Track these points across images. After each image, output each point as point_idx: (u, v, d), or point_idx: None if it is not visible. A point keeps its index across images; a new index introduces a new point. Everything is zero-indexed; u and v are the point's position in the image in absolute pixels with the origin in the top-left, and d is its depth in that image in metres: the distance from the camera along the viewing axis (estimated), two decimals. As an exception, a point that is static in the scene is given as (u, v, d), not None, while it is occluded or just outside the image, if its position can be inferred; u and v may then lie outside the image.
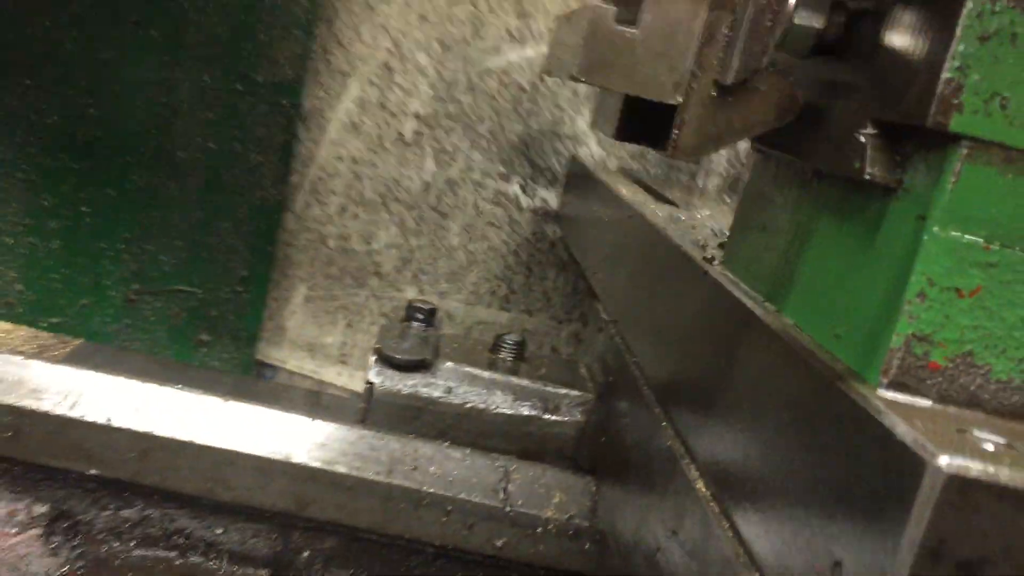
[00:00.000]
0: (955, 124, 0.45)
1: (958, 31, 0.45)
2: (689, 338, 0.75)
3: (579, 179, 1.51)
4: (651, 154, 1.69)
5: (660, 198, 1.21)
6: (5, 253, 1.49)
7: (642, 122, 0.65)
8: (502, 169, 1.68)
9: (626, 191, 1.18)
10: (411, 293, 1.71)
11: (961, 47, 0.45)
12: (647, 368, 0.86)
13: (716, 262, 0.76)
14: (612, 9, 0.58)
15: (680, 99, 0.59)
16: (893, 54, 0.51)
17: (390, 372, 0.93)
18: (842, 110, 0.56)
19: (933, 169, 0.47)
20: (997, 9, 0.45)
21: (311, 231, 1.69)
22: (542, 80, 1.64)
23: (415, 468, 0.85)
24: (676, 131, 0.60)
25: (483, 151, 1.68)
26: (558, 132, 1.67)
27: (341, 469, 0.84)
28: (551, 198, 1.69)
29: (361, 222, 1.70)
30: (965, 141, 0.46)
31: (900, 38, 0.51)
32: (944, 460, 0.39)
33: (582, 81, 0.59)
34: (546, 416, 0.94)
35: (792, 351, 0.54)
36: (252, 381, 1.48)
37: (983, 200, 0.46)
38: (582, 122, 1.66)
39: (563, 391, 0.97)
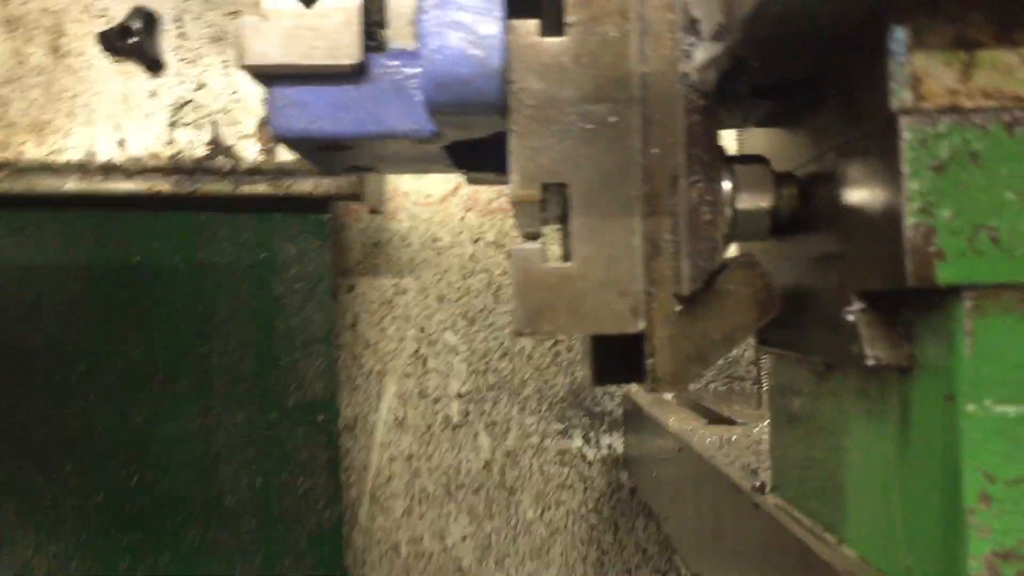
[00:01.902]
0: (944, 275, 0.36)
1: (905, 168, 0.37)
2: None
3: (634, 417, 1.41)
4: (708, 371, 1.59)
5: (716, 419, 1.10)
6: (72, 649, 1.42)
7: (622, 356, 0.56)
8: (559, 426, 1.59)
9: (675, 421, 1.08)
10: (498, 583, 1.57)
11: (915, 184, 0.36)
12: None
13: (767, 489, 0.64)
14: (537, 247, 0.51)
15: (643, 325, 0.51)
16: (855, 214, 0.43)
17: None
18: (825, 288, 0.47)
19: (942, 335, 0.37)
20: (941, 130, 0.37)
21: (381, 542, 1.59)
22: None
23: None
24: (649, 360, 0.51)
25: (534, 413, 1.60)
26: (605, 373, 1.58)
27: None
28: (616, 442, 1.59)
29: (429, 519, 1.60)
30: (966, 292, 0.36)
31: (856, 194, 0.42)
32: None
33: (529, 335, 0.51)
34: None
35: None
36: None
37: (1018, 356, 0.36)
38: (626, 357, 1.58)
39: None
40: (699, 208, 0.48)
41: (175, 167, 1.36)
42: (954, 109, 0.37)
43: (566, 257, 0.51)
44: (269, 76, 0.54)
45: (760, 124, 0.61)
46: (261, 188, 1.36)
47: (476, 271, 1.62)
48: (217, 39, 1.34)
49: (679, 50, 0.49)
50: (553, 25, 0.52)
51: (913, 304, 0.39)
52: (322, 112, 0.54)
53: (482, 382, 1.61)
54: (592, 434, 1.60)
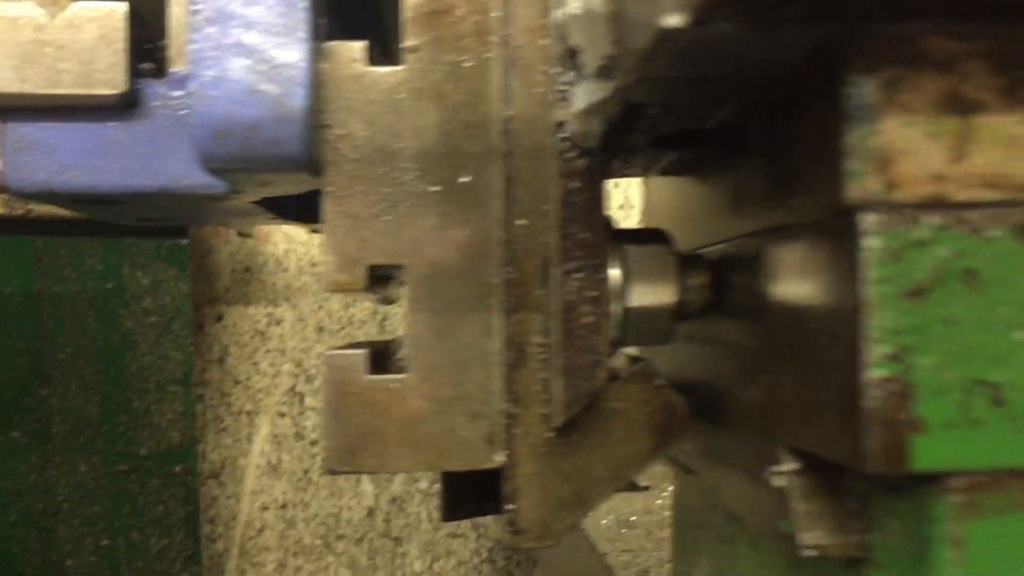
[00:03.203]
0: (923, 457, 0.24)
1: (866, 292, 0.24)
2: None
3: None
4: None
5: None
6: None
7: (481, 481, 0.43)
8: (449, 471, 1.46)
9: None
10: (380, 647, 1.43)
11: (882, 318, 0.24)
12: None
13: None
14: (361, 353, 0.38)
15: (502, 458, 0.38)
16: (789, 336, 0.30)
17: None
18: (743, 415, 0.35)
19: (914, 537, 0.25)
20: (923, 235, 0.24)
21: (250, 602, 1.43)
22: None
23: None
24: (510, 506, 0.38)
25: (423, 456, 1.46)
26: (499, 413, 1.46)
27: None
28: (512, 488, 1.46)
29: (306, 574, 1.45)
30: (953, 480, 0.24)
31: (792, 309, 0.30)
32: None
33: (346, 472, 0.38)
34: None
35: None
36: None
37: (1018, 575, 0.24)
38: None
39: None
40: (577, 307, 0.36)
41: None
42: (941, 203, 0.25)
43: (400, 366, 0.38)
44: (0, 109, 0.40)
45: (666, 173, 0.49)
46: (107, 210, 1.19)
47: (360, 299, 1.48)
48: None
49: (554, 90, 0.36)
50: (387, 51, 0.38)
51: (871, 477, 0.27)
52: (75, 159, 0.40)
53: (365, 422, 1.47)
54: (486, 478, 1.47)
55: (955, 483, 0.24)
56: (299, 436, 1.45)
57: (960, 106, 0.25)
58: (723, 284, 0.38)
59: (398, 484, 1.46)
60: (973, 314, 0.24)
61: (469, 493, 0.43)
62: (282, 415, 1.46)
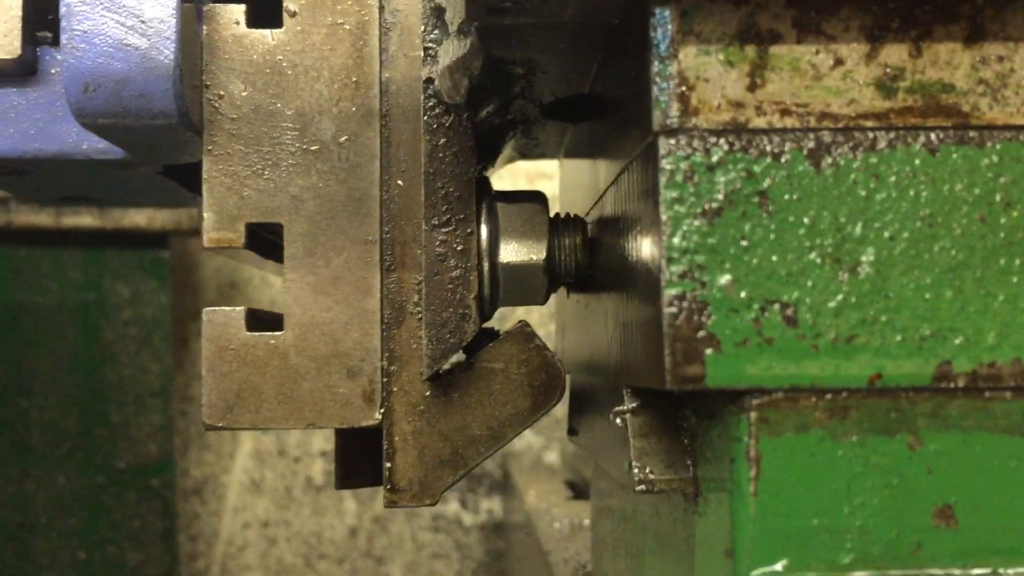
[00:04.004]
0: (716, 374, 0.24)
1: (663, 213, 0.24)
2: None
3: (509, 482, 1.28)
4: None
5: (583, 490, 0.98)
6: None
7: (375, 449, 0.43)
8: (430, 489, 1.45)
9: (534, 494, 0.95)
10: (359, 667, 1.42)
11: (677, 238, 0.24)
12: None
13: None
14: (240, 310, 0.38)
15: (380, 416, 0.38)
16: (627, 277, 0.31)
17: None
18: (606, 373, 0.35)
19: (722, 458, 0.25)
20: (716, 158, 0.25)
21: (229, 620, 1.43)
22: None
23: None
24: (388, 464, 0.38)
25: (404, 474, 1.45)
26: (481, 431, 1.45)
27: None
28: (496, 507, 1.45)
29: (286, 593, 1.44)
30: (751, 399, 0.24)
31: (626, 249, 0.30)
32: None
33: (223, 427, 0.38)
34: None
35: None
36: None
37: (821, 496, 0.24)
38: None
39: None
40: (444, 261, 0.36)
41: (-12, 196, 1.19)
42: (737, 129, 0.25)
43: (279, 324, 0.38)
44: None
45: (572, 155, 0.49)
46: (87, 220, 1.21)
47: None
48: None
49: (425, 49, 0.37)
50: (268, 15, 0.39)
51: (695, 407, 0.27)
52: (-31, 123, 0.41)
53: (348, 439, 1.46)
54: (470, 497, 1.46)
55: (752, 402, 0.24)
56: (282, 453, 1.45)
57: (756, 36, 0.25)
58: (596, 243, 0.38)
59: (381, 503, 1.46)
60: (768, 235, 0.24)
61: (363, 462, 0.43)
62: (266, 431, 1.46)
